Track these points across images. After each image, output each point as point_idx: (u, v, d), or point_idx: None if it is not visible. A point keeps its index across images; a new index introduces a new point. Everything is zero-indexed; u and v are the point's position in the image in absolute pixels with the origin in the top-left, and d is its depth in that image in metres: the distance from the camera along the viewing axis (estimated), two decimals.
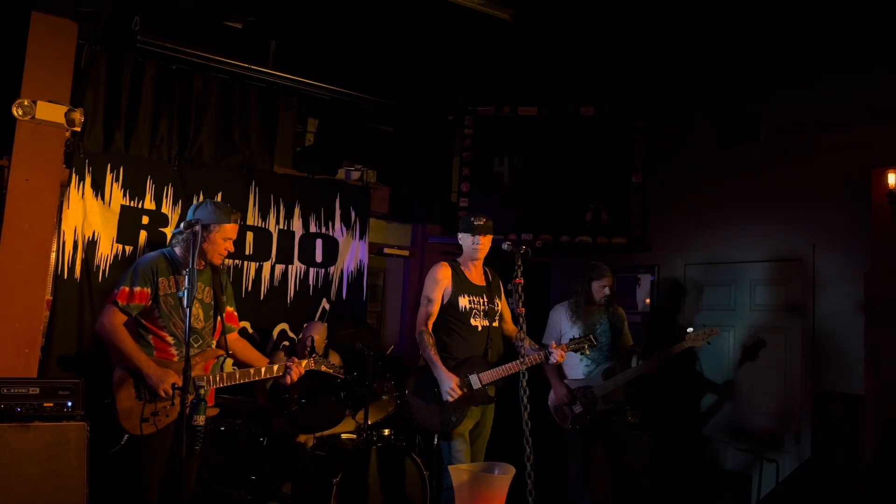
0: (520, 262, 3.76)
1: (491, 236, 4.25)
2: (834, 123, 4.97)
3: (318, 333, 5.00)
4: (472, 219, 4.23)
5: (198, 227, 3.35)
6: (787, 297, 5.25)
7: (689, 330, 4.72)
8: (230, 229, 3.68)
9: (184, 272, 3.51)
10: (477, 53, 5.18)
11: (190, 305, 3.12)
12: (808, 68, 5.08)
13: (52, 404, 3.68)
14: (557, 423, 4.81)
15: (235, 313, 3.93)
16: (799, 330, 5.09)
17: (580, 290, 4.88)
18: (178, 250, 3.65)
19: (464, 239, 4.29)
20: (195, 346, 3.58)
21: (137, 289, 3.49)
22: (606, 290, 4.87)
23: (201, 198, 5.15)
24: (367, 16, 4.59)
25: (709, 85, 5.58)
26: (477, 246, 4.20)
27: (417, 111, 6.24)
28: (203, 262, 3.67)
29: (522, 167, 6.18)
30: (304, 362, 3.84)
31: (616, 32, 4.75)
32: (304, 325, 5.30)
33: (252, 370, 3.72)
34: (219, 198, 5.30)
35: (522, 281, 3.70)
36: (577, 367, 4.81)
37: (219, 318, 3.75)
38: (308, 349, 4.17)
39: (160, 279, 3.55)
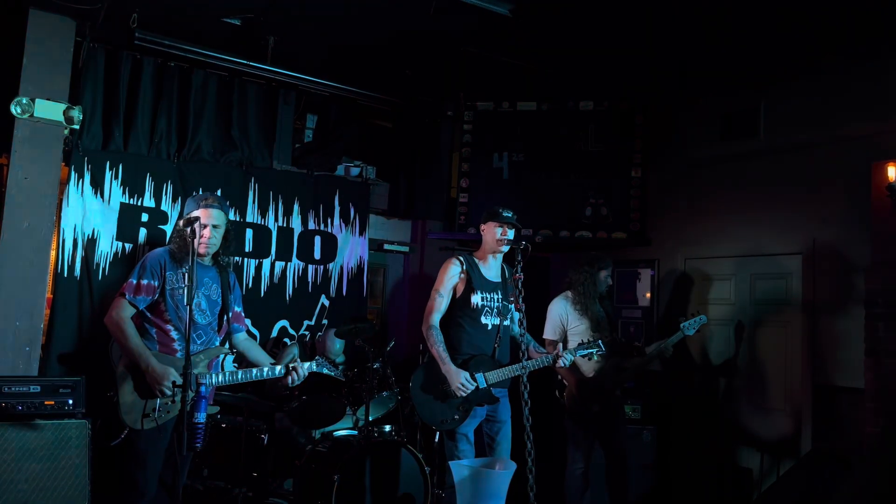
0: (520, 258, 3.75)
1: (515, 229, 4.11)
2: (834, 117, 4.97)
3: (333, 344, 5.16)
4: (500, 209, 4.10)
5: (180, 221, 3.54)
6: (787, 291, 5.25)
7: (681, 319, 4.92)
8: (200, 213, 3.61)
9: (186, 268, 3.54)
10: (476, 48, 5.17)
11: (190, 303, 3.14)
12: (808, 62, 5.06)
13: (53, 402, 3.69)
14: (574, 418, 4.75)
15: (243, 314, 3.97)
16: (799, 324, 5.10)
17: (586, 280, 4.81)
18: (172, 246, 3.70)
19: (488, 229, 4.13)
20: (197, 342, 3.59)
21: (144, 282, 3.55)
22: (610, 281, 4.93)
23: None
24: (366, 11, 4.58)
25: (708, 79, 5.57)
26: (504, 237, 4.05)
27: (416, 107, 6.23)
28: (188, 254, 3.56)
29: (522, 162, 6.18)
30: (307, 364, 3.82)
31: (615, 27, 4.75)
32: (321, 334, 5.46)
33: (255, 370, 3.72)
34: (218, 195, 5.30)
35: (522, 277, 3.71)
36: (584, 363, 4.76)
37: (225, 317, 3.77)
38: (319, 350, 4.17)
39: (168, 273, 3.60)
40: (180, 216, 3.78)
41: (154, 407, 3.42)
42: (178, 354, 3.55)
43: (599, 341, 4.24)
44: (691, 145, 5.91)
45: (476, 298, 4.06)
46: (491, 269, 4.18)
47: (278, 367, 3.74)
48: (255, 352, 3.92)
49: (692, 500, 5.54)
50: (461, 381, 3.87)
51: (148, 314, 3.58)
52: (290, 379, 3.74)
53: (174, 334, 3.58)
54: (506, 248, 4.08)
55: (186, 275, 3.50)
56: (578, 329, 4.73)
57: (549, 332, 4.85)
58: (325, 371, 3.92)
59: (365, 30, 4.90)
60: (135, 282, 3.56)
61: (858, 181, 4.74)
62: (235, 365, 3.83)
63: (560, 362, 4.06)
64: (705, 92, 5.74)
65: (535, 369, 4.02)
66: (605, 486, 4.85)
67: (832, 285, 4.92)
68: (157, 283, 3.58)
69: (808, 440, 4.96)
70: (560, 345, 4.15)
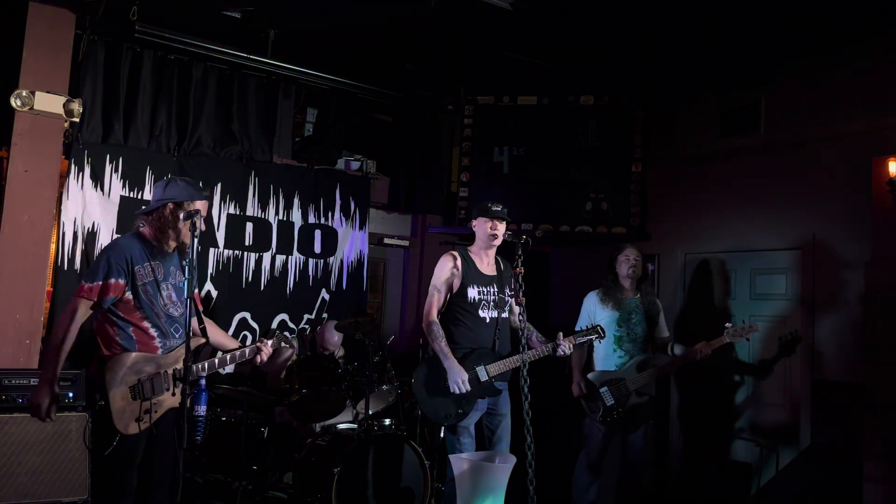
0: (520, 252, 3.76)
1: (506, 223, 4.12)
2: (834, 113, 4.96)
3: (332, 336, 5.14)
4: (490, 204, 4.12)
5: (171, 205, 3.23)
6: (787, 287, 5.26)
7: (728, 325, 4.64)
8: (202, 206, 3.35)
9: (159, 257, 3.32)
10: (477, 43, 5.17)
11: (190, 295, 3.02)
12: (809, 58, 5.06)
13: None
14: (586, 412, 4.73)
15: (200, 294, 3.69)
16: (799, 319, 5.10)
17: (607, 270, 4.84)
18: (147, 231, 3.33)
19: (479, 224, 4.16)
20: (176, 335, 3.34)
21: (112, 281, 3.18)
22: (632, 261, 4.76)
23: None
24: (367, 4, 4.57)
25: (709, 75, 5.56)
26: (495, 231, 4.07)
27: (417, 101, 6.22)
28: (174, 244, 3.37)
29: (522, 157, 6.17)
30: (270, 342, 3.61)
31: (616, 22, 4.74)
32: (320, 326, 5.41)
33: (228, 356, 3.49)
34: (218, 188, 5.31)
35: (523, 270, 3.71)
36: (609, 358, 4.73)
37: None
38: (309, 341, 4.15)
39: (136, 267, 3.23)
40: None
41: (147, 409, 3.21)
42: (160, 351, 3.29)
43: (598, 327, 4.24)
44: (691, 140, 5.90)
45: (472, 292, 4.09)
46: (485, 263, 4.20)
47: (248, 349, 3.53)
48: (218, 335, 3.66)
49: (691, 493, 5.54)
50: (460, 379, 3.87)
51: (120, 313, 3.21)
52: (258, 359, 3.54)
53: (153, 331, 3.28)
54: (497, 243, 4.11)
55: (155, 268, 3.30)
56: (605, 322, 4.69)
57: (578, 325, 4.86)
58: (284, 344, 3.74)
59: (366, 23, 4.89)
60: (92, 284, 3.17)
61: (858, 176, 4.73)
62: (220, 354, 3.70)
63: (559, 351, 4.07)
64: (705, 87, 5.73)
65: (536, 359, 4.02)
66: (616, 482, 4.85)
67: (831, 280, 4.92)
68: (124, 281, 3.20)
69: (806, 435, 4.96)
70: (560, 333, 4.14)
